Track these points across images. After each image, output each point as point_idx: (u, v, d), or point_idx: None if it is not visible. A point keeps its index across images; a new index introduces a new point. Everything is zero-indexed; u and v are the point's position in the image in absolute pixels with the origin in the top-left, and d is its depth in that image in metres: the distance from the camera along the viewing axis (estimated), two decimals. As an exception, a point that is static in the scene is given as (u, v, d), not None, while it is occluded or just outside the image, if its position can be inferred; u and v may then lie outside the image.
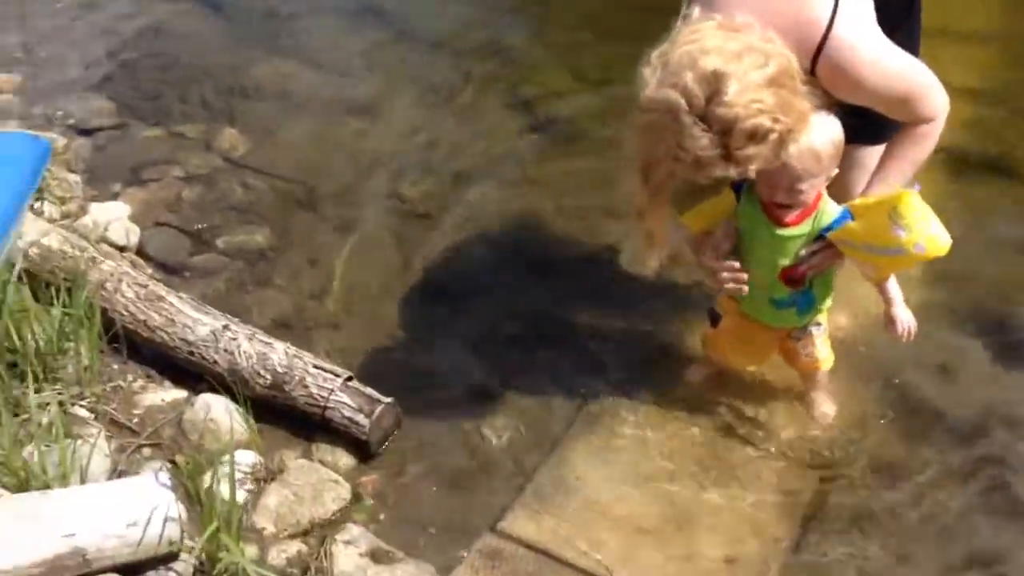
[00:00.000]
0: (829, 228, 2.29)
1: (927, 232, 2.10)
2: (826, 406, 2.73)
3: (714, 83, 1.88)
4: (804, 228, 2.31)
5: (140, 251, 3.29)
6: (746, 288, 2.39)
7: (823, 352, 2.61)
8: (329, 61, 4.42)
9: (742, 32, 1.93)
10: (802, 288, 2.41)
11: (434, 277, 3.28)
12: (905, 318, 2.41)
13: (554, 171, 3.77)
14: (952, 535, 2.41)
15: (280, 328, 2.96)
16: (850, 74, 2.08)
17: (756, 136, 1.91)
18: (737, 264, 2.37)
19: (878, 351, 2.80)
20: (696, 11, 2.07)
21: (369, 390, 2.60)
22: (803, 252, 2.33)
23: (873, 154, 2.42)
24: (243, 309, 3.01)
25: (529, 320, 3.07)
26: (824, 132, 2.15)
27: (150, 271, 3.15)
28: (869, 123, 2.29)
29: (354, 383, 2.61)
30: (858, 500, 2.51)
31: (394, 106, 4.15)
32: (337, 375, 2.59)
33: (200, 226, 3.47)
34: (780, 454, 2.63)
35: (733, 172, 1.99)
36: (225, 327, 2.68)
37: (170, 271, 3.24)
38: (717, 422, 2.72)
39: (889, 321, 2.42)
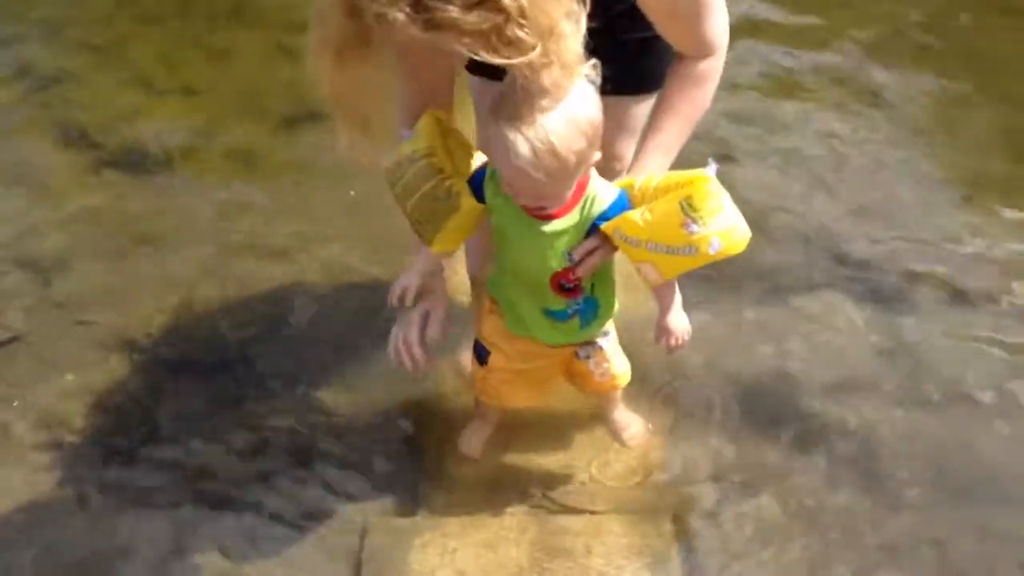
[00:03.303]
0: (605, 216, 1.72)
1: (724, 226, 1.63)
2: (634, 426, 2.21)
3: None
4: (572, 219, 1.72)
5: None
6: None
7: (620, 365, 2.05)
8: None
9: None
10: (580, 295, 1.83)
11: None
12: (680, 328, 1.86)
13: (161, 217, 2.83)
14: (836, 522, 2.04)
15: None
16: None
17: None
18: (420, 355, 1.88)
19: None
20: None
21: None
22: (574, 252, 1.74)
23: (641, 110, 1.91)
24: None
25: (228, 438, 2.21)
26: (572, 112, 1.53)
27: None
28: (635, 64, 1.79)
29: None
30: (724, 520, 2.03)
31: None
32: None
33: None
34: (620, 506, 2.05)
35: (418, 35, 1.31)
36: None
37: None
38: (529, 498, 2.07)
39: (661, 332, 1.86)
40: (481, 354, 2.02)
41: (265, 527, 2.03)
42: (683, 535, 2.00)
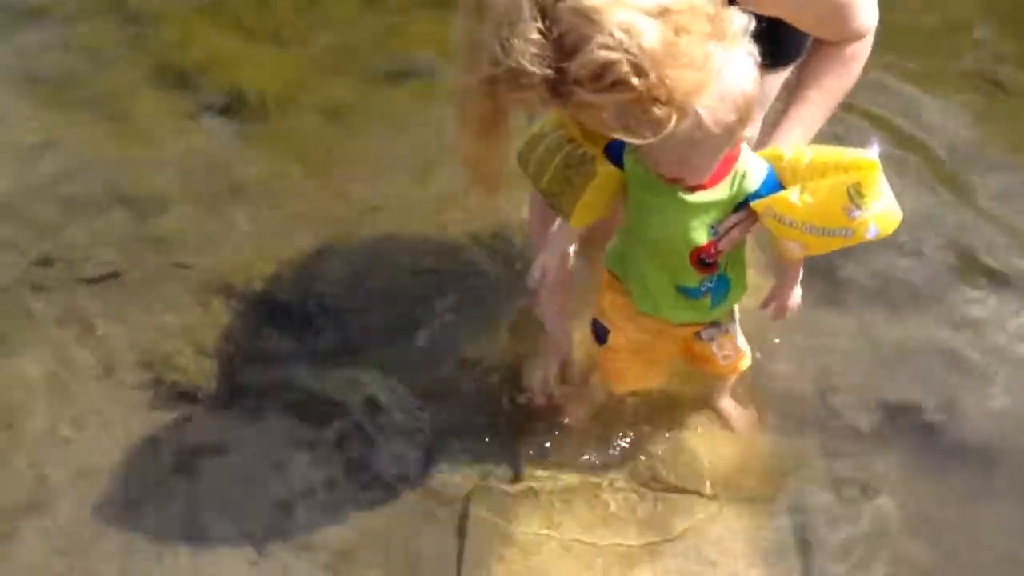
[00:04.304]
0: (757, 194, 1.65)
1: (882, 209, 1.58)
2: (745, 411, 2.15)
3: None
4: (721, 192, 1.66)
5: None
6: None
7: (742, 348, 2.00)
8: None
9: None
10: (716, 272, 1.76)
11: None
12: (794, 301, 1.84)
13: (255, 166, 2.78)
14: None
15: None
16: None
17: (603, 79, 1.28)
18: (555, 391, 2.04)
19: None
20: None
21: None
22: (721, 226, 1.68)
23: (770, 81, 1.84)
24: None
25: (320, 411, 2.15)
26: (726, 84, 1.46)
27: None
28: (772, 39, 1.66)
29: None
30: (841, 519, 1.97)
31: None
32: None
33: None
34: (732, 493, 1.99)
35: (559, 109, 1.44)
36: None
37: None
38: (636, 475, 2.01)
39: (774, 300, 1.84)
40: (600, 333, 1.96)
41: (366, 491, 2.00)
42: (799, 531, 1.94)
